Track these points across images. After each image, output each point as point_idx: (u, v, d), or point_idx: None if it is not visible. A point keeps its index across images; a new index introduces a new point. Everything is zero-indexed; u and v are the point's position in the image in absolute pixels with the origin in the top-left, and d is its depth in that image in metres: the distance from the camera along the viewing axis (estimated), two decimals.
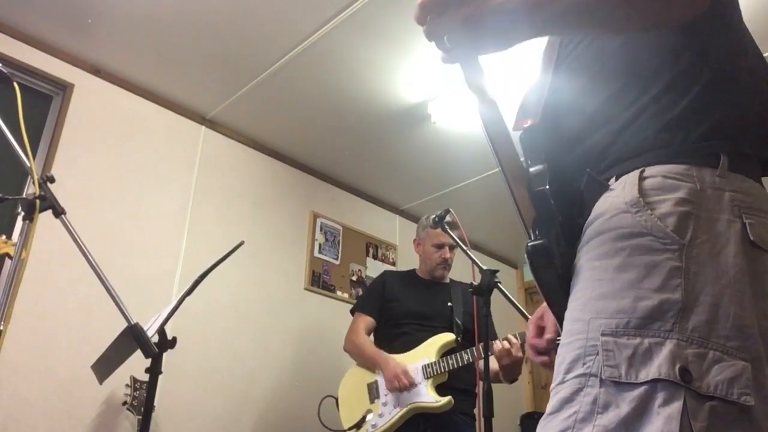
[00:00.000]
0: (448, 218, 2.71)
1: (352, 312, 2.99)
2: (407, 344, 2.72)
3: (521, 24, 0.82)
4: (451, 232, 2.44)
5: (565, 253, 0.94)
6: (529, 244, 0.96)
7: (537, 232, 0.96)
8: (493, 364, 2.50)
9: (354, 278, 3.78)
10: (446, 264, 2.92)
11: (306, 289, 3.55)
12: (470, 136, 3.32)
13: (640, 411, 0.73)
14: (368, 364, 2.78)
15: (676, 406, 0.72)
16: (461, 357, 2.56)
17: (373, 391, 2.70)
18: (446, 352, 2.65)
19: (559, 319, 0.98)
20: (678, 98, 0.90)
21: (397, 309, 2.86)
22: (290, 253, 3.56)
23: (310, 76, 3.01)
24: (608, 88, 0.97)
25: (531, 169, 0.99)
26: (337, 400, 2.79)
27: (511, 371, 2.44)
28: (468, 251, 2.30)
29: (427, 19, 0.84)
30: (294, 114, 3.32)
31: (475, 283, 2.10)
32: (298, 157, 3.76)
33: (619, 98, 0.95)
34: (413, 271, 3.09)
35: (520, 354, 2.42)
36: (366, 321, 2.89)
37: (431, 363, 2.61)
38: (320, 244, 3.73)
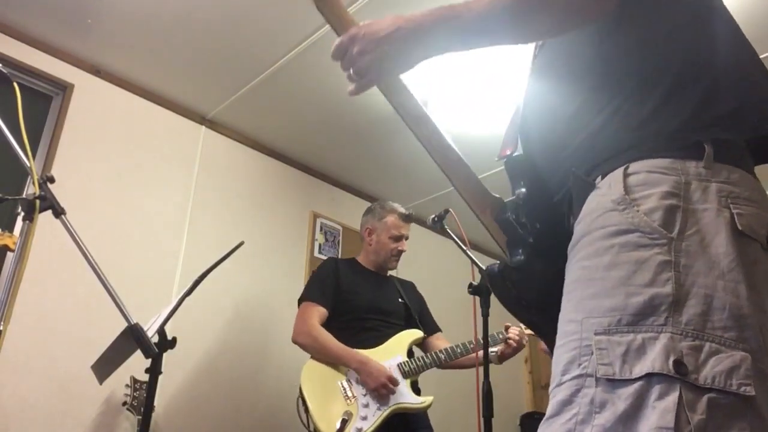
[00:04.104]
0: (404, 210, 2.89)
1: (300, 301, 2.75)
2: (372, 340, 2.60)
3: (408, 50, 0.93)
4: (449, 232, 2.44)
5: (533, 271, 0.98)
6: (488, 268, 1.06)
7: (510, 255, 1.02)
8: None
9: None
10: (400, 256, 2.88)
11: None
12: (470, 136, 3.32)
13: (637, 406, 0.73)
14: (335, 362, 2.54)
15: (672, 399, 0.71)
16: (438, 356, 2.59)
17: (348, 391, 2.48)
18: (410, 348, 2.65)
19: (531, 326, 1.05)
20: (650, 93, 0.90)
21: (359, 302, 2.70)
22: (290, 253, 3.56)
23: (310, 76, 3.00)
24: (582, 92, 0.98)
25: (516, 192, 1.06)
26: (304, 398, 2.48)
27: (509, 356, 2.61)
28: (468, 251, 2.30)
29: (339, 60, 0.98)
30: (294, 114, 3.32)
31: (474, 283, 2.10)
32: (298, 157, 3.75)
33: (594, 100, 0.96)
34: (355, 260, 2.96)
35: (524, 343, 2.62)
36: (319, 312, 2.65)
37: (406, 362, 2.57)
38: (320, 244, 3.73)
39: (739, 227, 0.81)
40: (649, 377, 0.73)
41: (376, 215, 2.91)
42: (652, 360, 0.74)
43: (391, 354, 2.59)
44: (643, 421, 0.72)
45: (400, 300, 2.84)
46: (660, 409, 0.71)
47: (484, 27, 0.90)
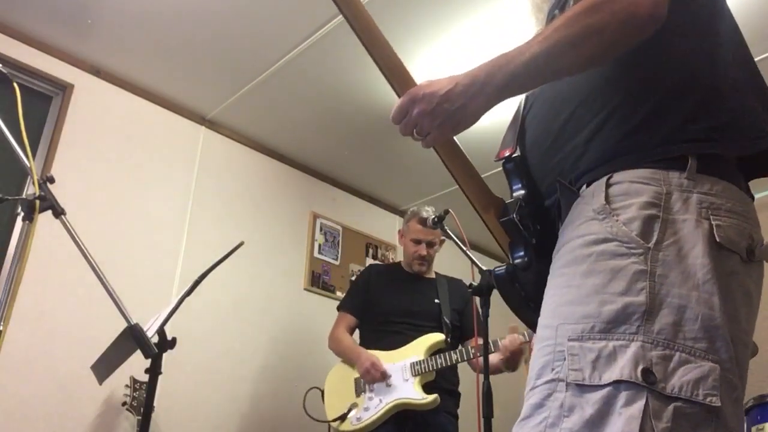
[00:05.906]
0: (424, 214, 2.82)
1: (338, 309, 2.99)
2: (397, 343, 2.70)
3: (467, 105, 0.93)
4: (449, 232, 2.44)
5: (540, 272, 0.97)
6: (495, 271, 1.04)
7: (513, 256, 1.02)
8: (492, 357, 2.54)
9: (354, 279, 3.78)
10: (423, 260, 2.90)
11: (306, 289, 3.55)
12: (470, 136, 3.32)
13: (604, 412, 0.74)
14: (347, 359, 2.79)
15: (638, 406, 0.73)
16: (450, 356, 2.58)
17: (359, 385, 2.69)
18: (435, 351, 2.65)
19: (534, 328, 1.04)
20: (639, 105, 0.91)
21: (385, 307, 2.83)
22: (290, 253, 3.56)
23: (310, 76, 3.00)
24: (575, 100, 0.99)
25: (514, 194, 1.05)
26: (322, 392, 2.79)
27: (515, 363, 2.59)
28: (468, 251, 2.30)
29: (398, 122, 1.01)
30: (294, 114, 3.32)
31: (474, 284, 2.10)
32: (298, 157, 3.75)
33: (585, 109, 0.96)
34: (399, 264, 3.08)
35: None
36: (347, 320, 2.89)
37: (419, 361, 2.61)
38: (320, 245, 3.73)
39: (717, 239, 0.81)
40: (617, 384, 0.75)
41: (406, 219, 3.00)
42: (621, 367, 0.75)
43: (407, 355, 2.66)
44: (609, 426, 0.73)
45: (436, 301, 2.85)
46: (626, 416, 0.72)
47: (542, 65, 0.89)
